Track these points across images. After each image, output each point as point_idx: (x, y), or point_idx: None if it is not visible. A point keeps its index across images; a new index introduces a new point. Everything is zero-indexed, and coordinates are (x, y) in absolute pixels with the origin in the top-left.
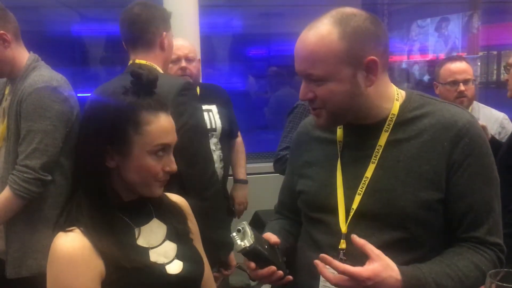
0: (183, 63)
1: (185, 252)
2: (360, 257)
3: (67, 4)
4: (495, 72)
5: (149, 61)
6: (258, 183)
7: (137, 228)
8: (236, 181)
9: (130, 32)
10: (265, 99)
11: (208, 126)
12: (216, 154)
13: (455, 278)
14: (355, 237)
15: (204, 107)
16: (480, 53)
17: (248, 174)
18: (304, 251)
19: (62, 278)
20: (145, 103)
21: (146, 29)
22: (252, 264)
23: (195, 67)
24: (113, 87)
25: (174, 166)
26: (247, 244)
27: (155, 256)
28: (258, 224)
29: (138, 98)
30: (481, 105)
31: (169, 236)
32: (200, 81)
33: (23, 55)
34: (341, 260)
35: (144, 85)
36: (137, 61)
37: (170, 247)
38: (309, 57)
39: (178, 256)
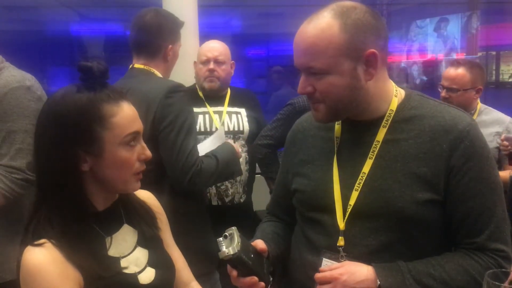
0: (211, 65)
1: (157, 258)
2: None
3: (67, 4)
4: (494, 72)
5: (148, 67)
6: (258, 183)
7: (108, 237)
8: None
9: (137, 39)
10: (265, 99)
11: (236, 129)
12: (243, 156)
13: (439, 279)
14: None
15: (233, 109)
16: (479, 54)
17: None
18: (299, 252)
19: None
20: (104, 96)
21: (152, 40)
22: (234, 273)
23: (224, 70)
24: None
25: (148, 153)
26: (231, 252)
27: (126, 265)
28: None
29: (95, 92)
30: (488, 108)
31: (140, 242)
32: (229, 84)
33: None
34: (341, 257)
35: (97, 77)
36: (136, 65)
37: (141, 254)
38: (310, 49)
39: (149, 263)
